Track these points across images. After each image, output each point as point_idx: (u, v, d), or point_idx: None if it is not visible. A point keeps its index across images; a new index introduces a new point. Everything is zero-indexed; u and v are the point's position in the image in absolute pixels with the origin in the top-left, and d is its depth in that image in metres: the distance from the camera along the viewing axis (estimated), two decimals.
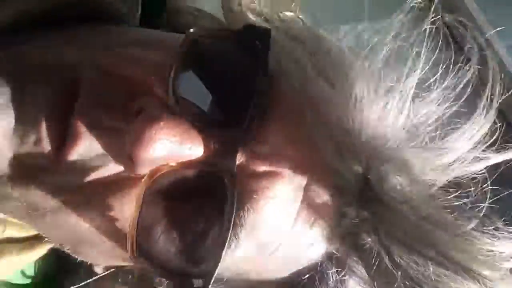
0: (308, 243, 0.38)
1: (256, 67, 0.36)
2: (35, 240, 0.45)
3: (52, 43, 0.39)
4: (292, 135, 0.36)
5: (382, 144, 0.37)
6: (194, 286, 0.36)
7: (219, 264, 0.35)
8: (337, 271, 0.39)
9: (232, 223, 0.35)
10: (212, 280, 0.36)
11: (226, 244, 0.35)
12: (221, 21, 0.48)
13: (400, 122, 0.39)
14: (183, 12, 0.50)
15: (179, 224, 0.37)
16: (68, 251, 0.42)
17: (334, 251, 0.38)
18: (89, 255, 0.42)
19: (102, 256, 0.41)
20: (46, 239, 0.43)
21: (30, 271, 0.48)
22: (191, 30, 0.38)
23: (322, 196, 0.37)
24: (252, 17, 0.44)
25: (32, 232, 0.45)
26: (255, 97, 0.35)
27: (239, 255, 0.37)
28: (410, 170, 0.37)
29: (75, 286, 0.45)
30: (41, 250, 0.46)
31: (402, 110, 0.39)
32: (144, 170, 0.34)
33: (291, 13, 0.45)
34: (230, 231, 0.35)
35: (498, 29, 0.56)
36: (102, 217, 0.37)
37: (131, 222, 0.35)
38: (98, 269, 0.45)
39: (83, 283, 0.45)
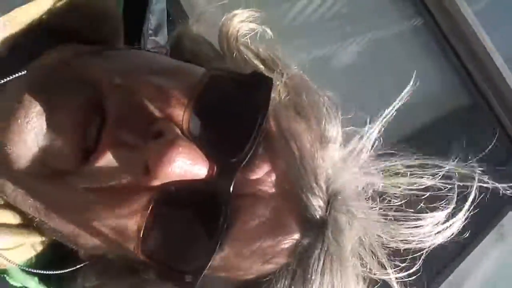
0: (273, 254, 0.45)
1: (258, 109, 0.43)
2: (39, 230, 0.49)
3: (81, 60, 0.45)
4: (275, 166, 0.44)
5: (342, 190, 0.45)
6: (186, 281, 0.42)
7: (209, 264, 0.41)
8: (290, 277, 0.45)
9: (222, 232, 0.42)
10: (200, 278, 0.42)
11: (217, 248, 0.41)
12: (217, 50, 0.54)
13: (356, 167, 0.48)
14: (190, 39, 0.57)
15: (179, 229, 0.43)
16: (64, 242, 0.48)
17: (290, 263, 0.45)
18: (84, 245, 0.48)
19: (98, 247, 0.47)
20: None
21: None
22: (210, 69, 0.45)
23: (290, 221, 0.44)
24: (251, 56, 0.51)
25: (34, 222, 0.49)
26: (255, 133, 0.42)
27: (219, 257, 0.43)
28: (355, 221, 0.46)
29: (66, 270, 0.51)
30: (44, 240, 0.51)
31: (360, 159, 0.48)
32: (158, 182, 0.42)
33: (283, 58, 0.52)
34: (220, 238, 0.41)
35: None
36: (111, 216, 0.43)
37: (139, 223, 0.42)
38: (82, 255, 0.51)
39: (71, 269, 0.51)
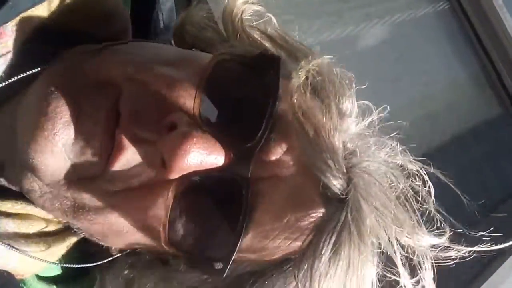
0: (297, 232, 0.44)
1: (269, 90, 0.43)
2: (65, 232, 0.51)
3: (92, 61, 0.45)
4: (291, 146, 0.43)
5: (361, 162, 0.44)
6: (216, 268, 0.43)
7: (236, 249, 0.42)
8: (313, 253, 0.44)
9: (246, 217, 0.42)
10: (230, 264, 0.42)
11: (242, 233, 0.42)
12: (222, 33, 0.53)
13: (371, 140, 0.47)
14: (192, 24, 0.55)
15: (202, 218, 0.44)
16: (96, 240, 0.48)
17: (313, 239, 0.44)
18: (115, 243, 0.49)
19: (129, 243, 0.48)
20: (75, 230, 0.49)
21: (57, 265, 0.54)
22: (216, 54, 0.45)
23: (311, 198, 0.43)
24: (258, 36, 0.50)
25: (59, 226, 0.51)
26: (268, 115, 0.42)
27: (246, 240, 0.44)
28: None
29: (96, 263, 0.52)
30: (69, 242, 0.51)
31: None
32: (177, 175, 0.41)
33: (291, 33, 0.51)
34: (244, 222, 0.42)
35: None
36: (138, 214, 0.44)
37: (164, 216, 0.42)
38: (114, 252, 0.52)
39: (101, 262, 0.51)
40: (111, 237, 0.47)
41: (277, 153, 0.43)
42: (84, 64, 0.44)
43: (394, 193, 0.46)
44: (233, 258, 0.42)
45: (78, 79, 0.44)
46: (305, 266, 0.43)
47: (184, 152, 0.40)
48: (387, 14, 1.75)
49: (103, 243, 0.49)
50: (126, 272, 0.52)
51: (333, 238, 0.42)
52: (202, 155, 0.41)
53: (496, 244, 0.48)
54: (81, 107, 0.42)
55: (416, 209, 0.47)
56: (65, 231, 0.50)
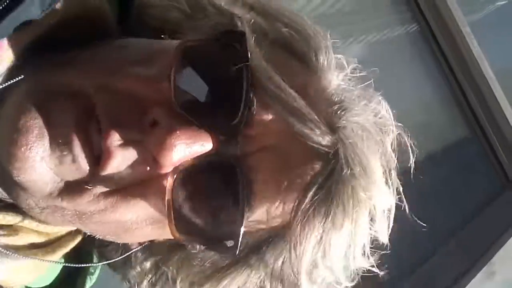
0: (294, 197, 0.45)
1: (241, 65, 0.43)
2: (55, 244, 0.51)
3: (66, 69, 0.45)
4: (274, 113, 0.43)
5: (348, 113, 0.45)
6: (228, 246, 0.44)
7: (243, 224, 0.43)
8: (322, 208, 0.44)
9: (245, 192, 0.43)
10: (240, 240, 0.43)
11: (245, 208, 0.43)
12: (187, 11, 0.52)
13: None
14: (154, 6, 0.53)
15: (205, 202, 0.45)
16: (111, 239, 0.50)
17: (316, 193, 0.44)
18: (130, 239, 0.50)
19: (141, 237, 0.50)
20: (65, 242, 0.51)
21: (48, 275, 0.54)
22: (182, 42, 0.44)
23: (304, 158, 0.44)
24: (224, 3, 0.50)
25: (50, 237, 0.51)
26: (245, 90, 0.42)
27: (253, 214, 0.45)
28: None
29: (114, 259, 0.54)
30: (60, 253, 0.52)
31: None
32: (169, 168, 0.42)
33: None
34: (245, 198, 0.43)
35: None
36: (140, 209, 0.44)
37: (167, 209, 0.43)
38: (133, 245, 0.53)
39: (119, 257, 0.53)
40: (123, 235, 0.47)
41: (261, 125, 0.43)
42: (51, 76, 0.44)
43: (380, 146, 0.47)
44: (242, 233, 0.43)
45: (47, 92, 0.43)
46: (300, 219, 0.43)
47: (171, 147, 0.40)
48: (364, 33, 1.79)
49: (118, 241, 0.51)
50: (149, 260, 0.53)
51: (324, 190, 0.43)
52: (189, 145, 0.41)
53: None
54: (51, 118, 0.42)
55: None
56: (55, 242, 0.51)
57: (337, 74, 0.48)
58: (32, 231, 0.49)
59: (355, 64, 0.50)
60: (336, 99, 0.46)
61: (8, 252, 0.47)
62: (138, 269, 0.54)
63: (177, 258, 0.52)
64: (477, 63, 1.92)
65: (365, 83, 0.51)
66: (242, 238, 0.43)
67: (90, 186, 0.43)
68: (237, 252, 0.44)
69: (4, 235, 0.48)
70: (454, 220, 1.81)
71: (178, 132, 0.41)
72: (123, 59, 0.46)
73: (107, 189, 0.43)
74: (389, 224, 0.48)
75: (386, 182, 0.48)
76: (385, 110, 0.49)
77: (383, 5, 1.91)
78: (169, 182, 0.43)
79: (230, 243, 0.44)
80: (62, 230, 0.52)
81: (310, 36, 0.47)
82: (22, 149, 0.41)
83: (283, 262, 0.48)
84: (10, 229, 0.48)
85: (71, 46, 0.47)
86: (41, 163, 0.42)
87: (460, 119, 1.98)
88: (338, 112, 0.44)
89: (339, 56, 0.49)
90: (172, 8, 0.52)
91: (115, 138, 0.41)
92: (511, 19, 2.40)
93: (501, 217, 1.86)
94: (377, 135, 0.47)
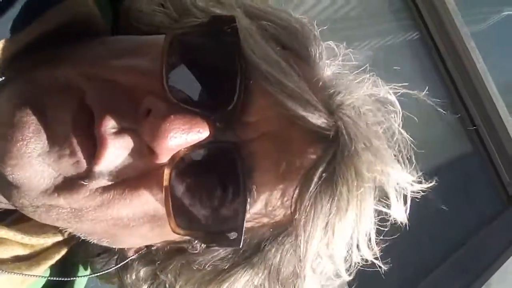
0: (296, 184, 0.43)
1: (232, 51, 0.42)
2: (40, 257, 0.50)
3: (55, 64, 0.44)
4: (270, 99, 0.42)
5: (345, 98, 0.44)
6: (231, 238, 0.42)
7: (245, 214, 0.41)
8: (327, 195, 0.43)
9: (245, 180, 0.41)
10: (243, 231, 0.41)
11: (247, 197, 0.41)
12: (173, 15, 0.51)
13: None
14: (139, 11, 0.53)
15: (205, 193, 0.43)
16: (107, 244, 0.48)
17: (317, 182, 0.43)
18: (127, 241, 0.48)
19: (139, 239, 0.47)
20: (50, 255, 0.50)
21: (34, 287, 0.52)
22: (171, 31, 0.43)
23: (305, 143, 0.43)
24: (208, 5, 0.49)
25: (35, 249, 0.50)
26: (238, 75, 0.41)
27: (256, 205, 0.43)
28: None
29: (110, 268, 0.52)
30: (45, 266, 0.50)
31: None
32: (165, 158, 0.41)
33: None
34: (245, 186, 0.41)
35: None
36: (138, 204, 0.43)
37: (166, 201, 0.41)
38: (130, 252, 0.52)
39: (114, 267, 0.52)
40: (120, 235, 0.46)
41: (259, 111, 0.42)
42: (43, 72, 0.43)
43: (380, 127, 0.46)
44: (245, 224, 0.42)
45: (39, 87, 0.43)
46: (305, 205, 0.42)
47: (166, 134, 0.39)
48: (367, 38, 1.75)
49: (115, 245, 0.49)
50: (146, 268, 0.52)
51: (328, 173, 0.41)
52: (184, 132, 0.40)
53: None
54: (47, 113, 0.41)
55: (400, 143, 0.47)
56: (40, 254, 0.50)
57: (329, 63, 0.48)
58: (17, 244, 0.48)
59: (346, 50, 0.50)
60: (331, 84, 0.45)
61: None
62: (135, 278, 0.53)
63: (176, 263, 0.51)
64: (481, 77, 1.87)
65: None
66: (245, 232, 0.42)
67: (86, 182, 0.42)
68: (240, 245, 0.42)
69: None
70: (451, 239, 1.76)
71: (172, 118, 0.40)
72: (115, 51, 0.45)
73: (104, 184, 0.42)
74: (406, 202, 0.46)
75: (397, 158, 0.47)
76: (384, 90, 0.48)
77: (387, 12, 1.87)
78: (166, 174, 0.41)
79: (233, 235, 0.42)
80: (47, 241, 0.50)
81: (298, 30, 0.47)
82: (18, 144, 0.40)
83: (286, 259, 0.47)
84: None
85: (61, 42, 0.46)
86: (37, 159, 0.41)
87: (462, 134, 1.91)
88: (334, 94, 0.44)
89: (329, 43, 0.49)
90: (157, 13, 0.52)
91: (109, 125, 0.40)
92: None
93: (501, 236, 1.81)
94: (378, 112, 0.47)
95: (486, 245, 1.78)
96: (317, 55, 0.46)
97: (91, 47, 0.46)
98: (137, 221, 0.44)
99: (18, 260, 0.49)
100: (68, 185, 0.42)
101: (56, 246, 0.52)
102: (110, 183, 0.42)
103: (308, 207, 0.42)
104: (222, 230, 0.43)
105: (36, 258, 0.50)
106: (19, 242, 0.48)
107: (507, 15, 2.33)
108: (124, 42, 0.49)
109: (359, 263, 0.47)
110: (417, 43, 1.89)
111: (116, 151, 0.41)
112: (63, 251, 0.52)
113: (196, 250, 0.49)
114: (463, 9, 1.92)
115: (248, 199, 0.42)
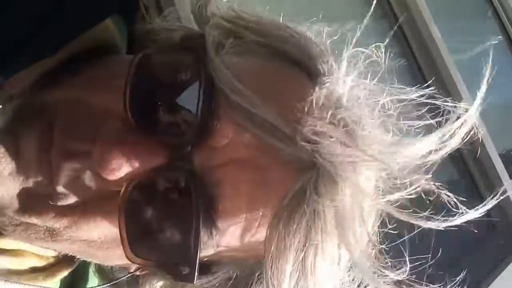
0: (269, 215, 0.41)
1: (198, 71, 0.40)
2: (54, 268, 0.51)
3: (54, 86, 0.44)
4: (240, 127, 0.40)
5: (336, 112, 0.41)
6: (183, 273, 0.40)
7: (198, 251, 0.39)
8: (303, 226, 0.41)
9: (202, 214, 0.38)
10: (197, 267, 0.39)
11: (201, 233, 0.38)
12: (177, 34, 0.50)
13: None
14: (147, 33, 0.53)
15: (159, 222, 0.41)
16: (98, 262, 0.48)
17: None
18: (114, 261, 0.48)
19: (121, 260, 0.45)
20: (64, 266, 0.50)
21: None
22: (140, 52, 0.42)
23: (278, 173, 0.40)
24: (225, 23, 0.47)
25: (50, 260, 0.51)
26: (200, 100, 0.39)
27: (224, 242, 0.41)
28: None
29: (113, 281, 0.51)
30: (60, 277, 0.51)
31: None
32: (114, 183, 0.40)
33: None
34: (201, 221, 0.38)
35: None
36: (106, 227, 0.42)
37: (120, 227, 0.41)
38: (131, 268, 0.50)
39: (114, 281, 0.51)
40: (101, 256, 0.45)
41: (225, 137, 0.40)
42: (36, 94, 0.43)
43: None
44: (198, 260, 0.39)
45: (21, 111, 0.43)
46: (275, 236, 0.39)
47: (109, 159, 0.39)
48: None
49: (105, 264, 0.50)
50: (157, 283, 0.50)
51: (301, 204, 0.39)
52: (134, 158, 0.39)
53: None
54: (19, 134, 0.42)
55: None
56: (56, 265, 0.50)
57: (343, 77, 0.44)
58: (34, 255, 0.49)
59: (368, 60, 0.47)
60: (340, 103, 0.42)
61: (11, 278, 0.46)
62: None
63: (161, 282, 0.50)
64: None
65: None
66: (221, 267, 0.40)
67: (52, 202, 0.42)
68: (194, 281, 0.40)
69: (6, 260, 0.47)
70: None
71: (122, 142, 0.39)
72: (106, 72, 0.45)
73: (68, 203, 0.42)
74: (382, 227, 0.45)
75: (377, 191, 0.44)
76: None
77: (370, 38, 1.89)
78: (120, 197, 0.40)
79: (185, 270, 0.40)
80: (61, 252, 0.50)
81: (301, 43, 0.45)
82: None
83: None
84: (13, 254, 0.48)
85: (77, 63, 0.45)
86: (9, 177, 0.42)
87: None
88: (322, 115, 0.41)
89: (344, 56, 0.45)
90: (164, 31, 0.52)
91: (63, 149, 0.40)
92: (503, 62, 2.37)
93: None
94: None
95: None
96: (327, 69, 0.44)
97: (97, 70, 0.46)
98: (110, 243, 0.43)
99: (34, 271, 0.49)
100: (37, 204, 0.43)
101: (69, 256, 0.51)
102: (73, 203, 0.42)
103: (278, 241, 0.40)
104: (176, 262, 0.41)
105: (51, 269, 0.50)
106: (35, 253, 0.49)
107: (493, 45, 2.37)
108: (115, 61, 0.49)
109: None
110: (404, 70, 1.91)
111: (67, 173, 0.41)
112: (76, 262, 0.52)
113: (154, 274, 0.48)
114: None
115: (209, 231, 0.40)
